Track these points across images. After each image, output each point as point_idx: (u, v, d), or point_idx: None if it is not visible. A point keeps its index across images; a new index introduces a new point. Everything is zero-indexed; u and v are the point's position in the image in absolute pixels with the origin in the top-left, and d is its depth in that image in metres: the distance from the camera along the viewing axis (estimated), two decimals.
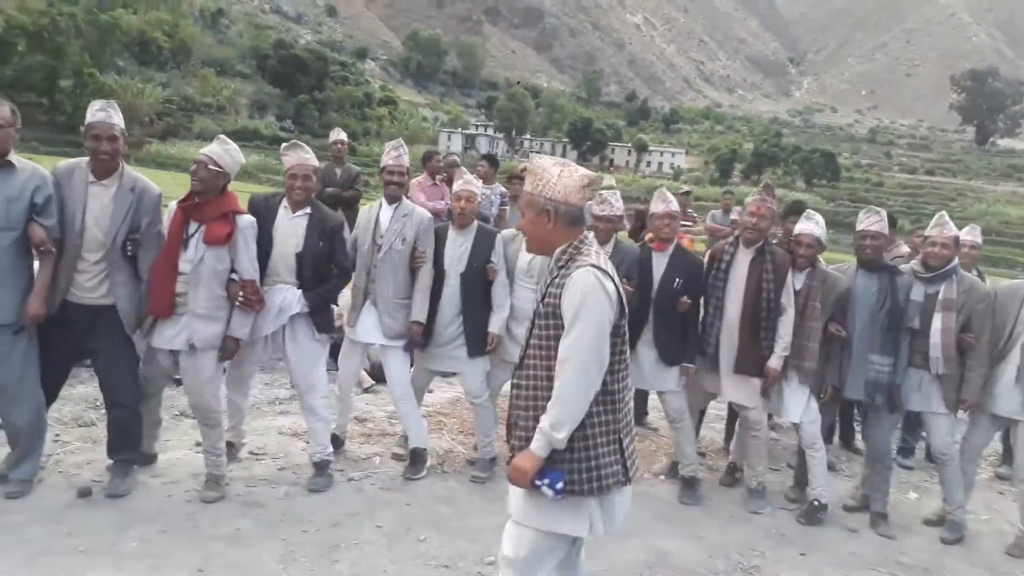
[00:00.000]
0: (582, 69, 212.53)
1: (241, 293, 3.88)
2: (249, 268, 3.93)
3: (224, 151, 3.89)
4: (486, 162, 7.85)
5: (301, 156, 4.10)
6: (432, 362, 4.61)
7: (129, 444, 3.92)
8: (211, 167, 3.81)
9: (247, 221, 3.95)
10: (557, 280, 2.35)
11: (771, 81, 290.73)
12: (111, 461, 3.95)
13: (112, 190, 3.73)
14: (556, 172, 2.36)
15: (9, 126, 3.54)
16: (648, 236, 4.73)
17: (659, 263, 4.53)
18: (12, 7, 64.58)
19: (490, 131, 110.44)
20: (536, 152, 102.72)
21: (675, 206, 4.57)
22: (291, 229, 4.10)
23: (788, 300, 4.43)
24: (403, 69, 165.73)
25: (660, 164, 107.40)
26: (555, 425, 2.26)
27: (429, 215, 4.56)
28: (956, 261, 4.44)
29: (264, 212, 4.12)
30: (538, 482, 2.29)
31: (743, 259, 4.48)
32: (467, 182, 4.52)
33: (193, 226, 3.82)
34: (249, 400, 4.80)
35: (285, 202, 4.17)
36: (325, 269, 4.18)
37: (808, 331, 4.39)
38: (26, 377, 3.67)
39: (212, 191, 3.84)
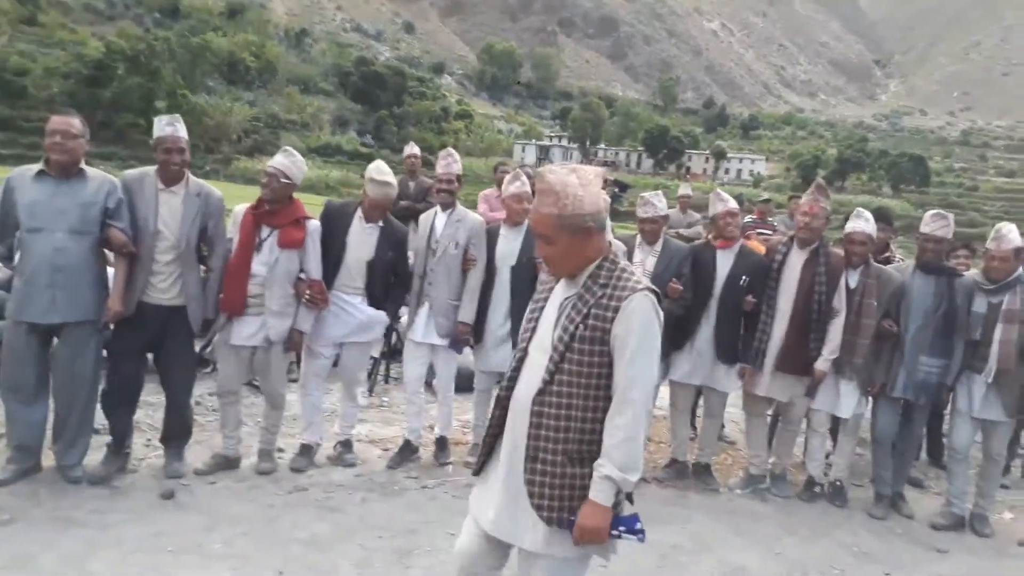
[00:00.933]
0: (657, 77, 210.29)
1: (308, 292, 4.23)
2: (316, 269, 4.31)
3: (292, 163, 4.22)
4: None
5: (386, 192, 4.44)
6: (488, 363, 4.73)
7: (182, 431, 4.31)
8: (282, 180, 4.15)
9: (315, 226, 4.33)
10: (604, 301, 2.12)
11: (855, 84, 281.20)
12: (164, 447, 4.30)
13: (180, 196, 4.04)
14: (576, 182, 2.10)
15: (80, 136, 3.80)
16: (712, 235, 4.79)
17: (724, 261, 4.60)
18: (113, 34, 68.49)
19: (564, 142, 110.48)
20: (611, 161, 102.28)
21: (734, 204, 4.65)
22: (364, 238, 4.46)
23: (840, 303, 4.46)
24: (478, 82, 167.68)
25: (739, 171, 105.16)
26: (626, 468, 2.08)
27: (481, 220, 4.79)
28: (1021, 271, 4.39)
29: (339, 219, 4.46)
30: (615, 533, 2.13)
31: (796, 260, 4.53)
32: (523, 184, 4.55)
33: (265, 231, 4.17)
34: (325, 404, 4.98)
35: (360, 212, 4.48)
36: (388, 277, 4.59)
37: (861, 328, 4.43)
38: (95, 373, 4.00)
39: (282, 200, 4.18)
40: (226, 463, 4.36)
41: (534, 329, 2.27)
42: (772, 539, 4.16)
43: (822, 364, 4.50)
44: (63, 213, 3.74)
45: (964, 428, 4.53)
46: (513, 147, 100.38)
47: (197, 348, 4.94)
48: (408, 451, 4.75)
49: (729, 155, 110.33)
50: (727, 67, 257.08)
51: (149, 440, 4.66)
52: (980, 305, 4.42)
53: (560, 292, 2.25)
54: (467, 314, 4.60)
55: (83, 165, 3.85)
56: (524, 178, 4.62)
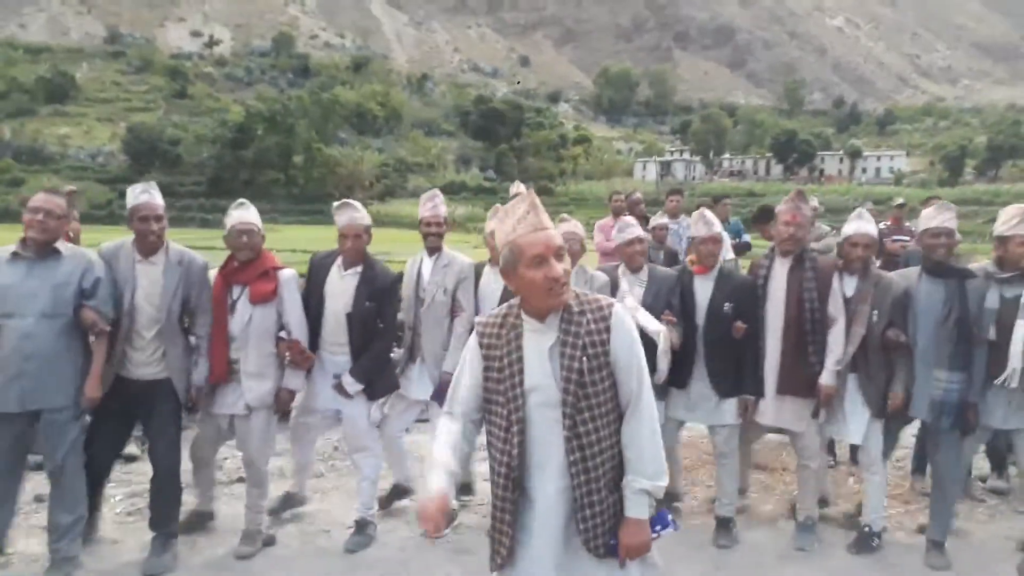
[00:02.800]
0: (781, 81, 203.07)
1: (288, 353, 4.00)
2: (297, 323, 4.04)
3: (254, 214, 4.04)
4: (677, 196, 7.74)
5: (352, 216, 4.12)
6: None
7: (170, 517, 3.99)
8: (257, 233, 3.98)
9: (288, 274, 4.08)
10: (591, 326, 2.13)
11: (1003, 65, 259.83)
12: (152, 534, 3.96)
13: (160, 266, 3.85)
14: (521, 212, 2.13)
15: (63, 217, 3.66)
16: (689, 259, 4.41)
17: (704, 288, 4.20)
18: (252, 98, 73.97)
19: (686, 155, 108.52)
20: (737, 171, 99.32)
21: (718, 229, 4.26)
22: (341, 288, 4.14)
23: (837, 309, 4.00)
24: (595, 106, 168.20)
25: (877, 169, 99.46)
26: (656, 476, 2.16)
27: (470, 262, 4.46)
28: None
29: (319, 271, 4.22)
30: (655, 536, 2.23)
31: (781, 271, 4.12)
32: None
33: (236, 290, 3.96)
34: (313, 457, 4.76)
35: (339, 261, 4.21)
36: (374, 329, 4.17)
37: (851, 337, 3.96)
38: (74, 461, 3.73)
39: (254, 255, 3.99)
40: (202, 518, 4.29)
41: (522, 395, 2.16)
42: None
43: (827, 377, 3.97)
44: (34, 297, 3.52)
45: (968, 444, 4.03)
46: (633, 166, 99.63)
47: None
48: (399, 494, 4.63)
49: (865, 153, 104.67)
50: (855, 63, 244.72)
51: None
52: (992, 299, 3.86)
53: (534, 342, 2.18)
54: (452, 363, 4.19)
55: (60, 244, 3.67)
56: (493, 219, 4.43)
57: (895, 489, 4.86)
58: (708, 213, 4.37)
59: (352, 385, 4.14)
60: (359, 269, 4.16)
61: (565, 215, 4.67)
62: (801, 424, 4.13)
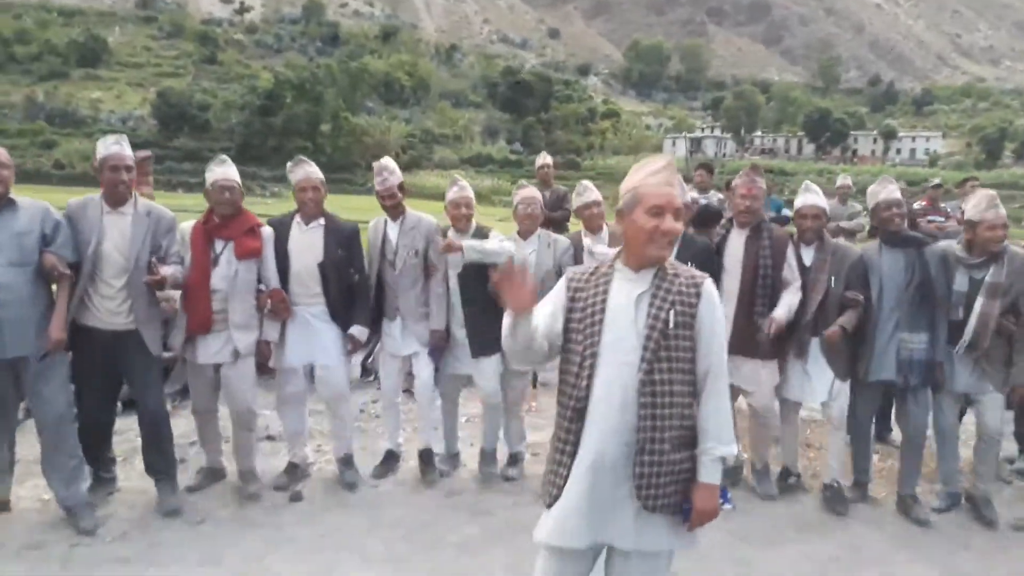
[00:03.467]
0: (816, 58, 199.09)
1: (269, 302, 4.16)
2: (274, 277, 4.23)
3: (235, 171, 4.21)
4: (703, 171, 7.71)
5: (307, 171, 4.33)
6: (449, 367, 4.65)
7: (165, 460, 4.12)
8: (237, 189, 4.15)
9: (269, 232, 4.25)
10: (684, 288, 2.23)
11: None
12: (154, 481, 4.13)
13: (128, 217, 3.91)
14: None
15: (9, 167, 3.69)
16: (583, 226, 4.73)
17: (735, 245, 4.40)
18: (281, 65, 74.01)
19: (717, 132, 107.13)
20: (768, 149, 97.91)
21: (595, 195, 4.74)
22: (308, 241, 4.31)
23: (792, 275, 4.20)
24: (625, 80, 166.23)
25: (912, 151, 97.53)
26: (730, 443, 2.25)
27: (435, 222, 4.54)
28: (1006, 242, 4.12)
29: (279, 230, 4.32)
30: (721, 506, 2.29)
31: (738, 239, 4.31)
32: (462, 188, 4.50)
33: (219, 245, 4.10)
34: (307, 424, 4.76)
35: (298, 217, 4.36)
36: (347, 277, 4.36)
37: (809, 303, 4.19)
38: (65, 402, 3.88)
39: (235, 211, 4.15)
40: (212, 475, 4.41)
41: (599, 332, 2.24)
42: (944, 553, 3.86)
43: (779, 312, 4.10)
44: (0, 247, 3.60)
45: (948, 406, 4.30)
46: (663, 142, 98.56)
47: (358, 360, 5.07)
48: (392, 461, 4.70)
49: (900, 134, 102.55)
50: (894, 41, 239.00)
51: (320, 445, 5.03)
52: (961, 282, 4.17)
53: (624, 290, 2.27)
54: (439, 321, 4.45)
55: (13, 195, 3.72)
56: (462, 183, 4.54)
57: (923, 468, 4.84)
58: (587, 182, 4.87)
59: (362, 332, 4.41)
60: (321, 222, 4.35)
61: (523, 181, 4.87)
62: (753, 384, 4.34)
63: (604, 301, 2.27)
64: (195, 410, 4.34)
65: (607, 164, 68.45)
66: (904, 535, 4.05)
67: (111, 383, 4.13)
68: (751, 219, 4.31)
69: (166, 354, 4.22)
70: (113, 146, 3.86)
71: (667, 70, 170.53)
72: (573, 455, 2.25)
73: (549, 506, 2.30)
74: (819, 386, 4.32)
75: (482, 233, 4.46)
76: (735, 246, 4.35)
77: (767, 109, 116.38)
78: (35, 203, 3.82)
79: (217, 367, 4.22)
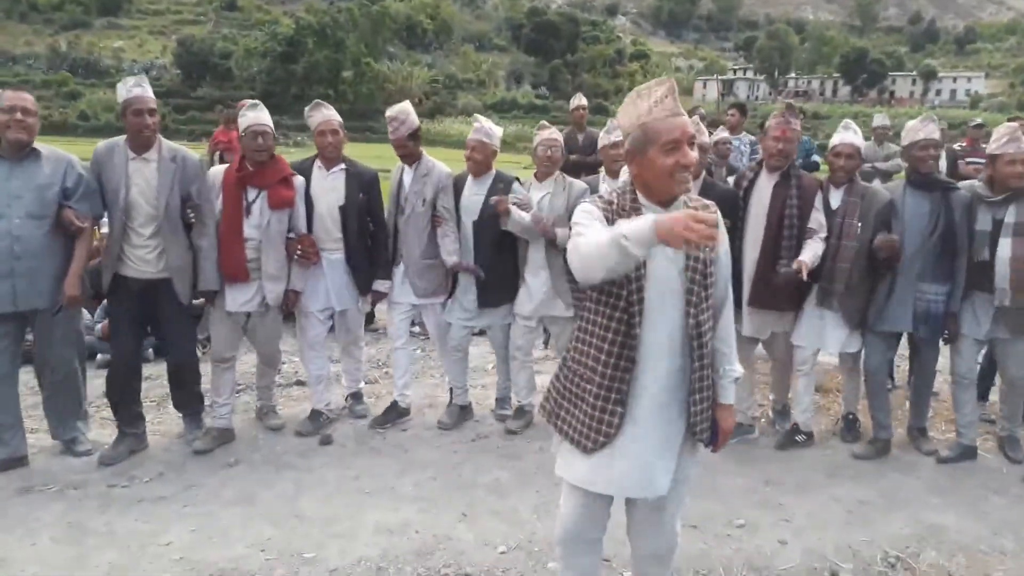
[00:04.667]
0: None
1: (299, 248, 4.13)
2: (304, 224, 4.20)
3: (267, 116, 4.10)
4: (736, 110, 7.52)
5: (326, 114, 4.24)
6: (455, 316, 4.54)
7: (192, 397, 4.27)
8: (271, 134, 4.05)
9: (300, 181, 4.18)
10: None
11: None
12: (181, 415, 4.34)
13: (153, 163, 3.82)
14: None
15: (36, 114, 3.68)
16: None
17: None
18: (301, 11, 73.09)
19: (749, 74, 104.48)
20: (803, 91, 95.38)
21: (705, 137, 4.19)
22: (329, 185, 4.27)
23: (819, 225, 4.00)
24: (654, 20, 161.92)
25: (953, 92, 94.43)
26: (737, 360, 2.38)
27: (448, 171, 4.42)
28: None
29: (300, 175, 4.24)
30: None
31: (766, 185, 4.08)
32: (477, 131, 4.31)
33: (252, 193, 4.01)
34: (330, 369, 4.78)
35: (318, 162, 4.30)
36: (365, 223, 4.36)
37: (841, 251, 3.96)
38: (72, 356, 3.99)
39: (267, 158, 4.05)
40: (221, 435, 4.23)
41: (643, 276, 2.12)
42: (976, 498, 3.82)
43: (806, 254, 3.90)
44: (19, 198, 3.60)
45: (969, 353, 4.15)
46: (694, 85, 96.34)
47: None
48: (393, 413, 4.59)
49: (940, 75, 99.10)
50: None
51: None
52: (984, 221, 3.95)
53: None
54: (452, 253, 4.33)
55: (37, 144, 3.70)
56: (479, 123, 4.36)
57: (950, 413, 4.76)
58: (697, 121, 4.32)
59: (384, 284, 4.43)
60: (342, 166, 4.31)
61: (544, 122, 4.61)
62: (766, 331, 4.26)
63: None
64: (215, 358, 4.27)
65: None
66: (937, 480, 4.01)
67: (139, 330, 4.15)
68: (783, 163, 4.06)
69: (195, 301, 4.22)
70: (135, 88, 3.76)
71: (698, 9, 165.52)
72: (623, 403, 2.17)
73: (590, 451, 2.22)
74: (832, 335, 4.16)
75: (504, 180, 4.36)
76: (762, 192, 4.11)
77: (801, 50, 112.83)
78: (59, 154, 3.79)
79: (247, 316, 4.22)
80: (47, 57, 74.14)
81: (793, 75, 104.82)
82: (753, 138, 7.22)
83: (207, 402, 4.37)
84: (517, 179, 4.42)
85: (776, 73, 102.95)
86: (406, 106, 4.40)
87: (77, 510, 3.50)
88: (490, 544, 3.29)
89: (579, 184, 4.40)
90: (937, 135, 4.07)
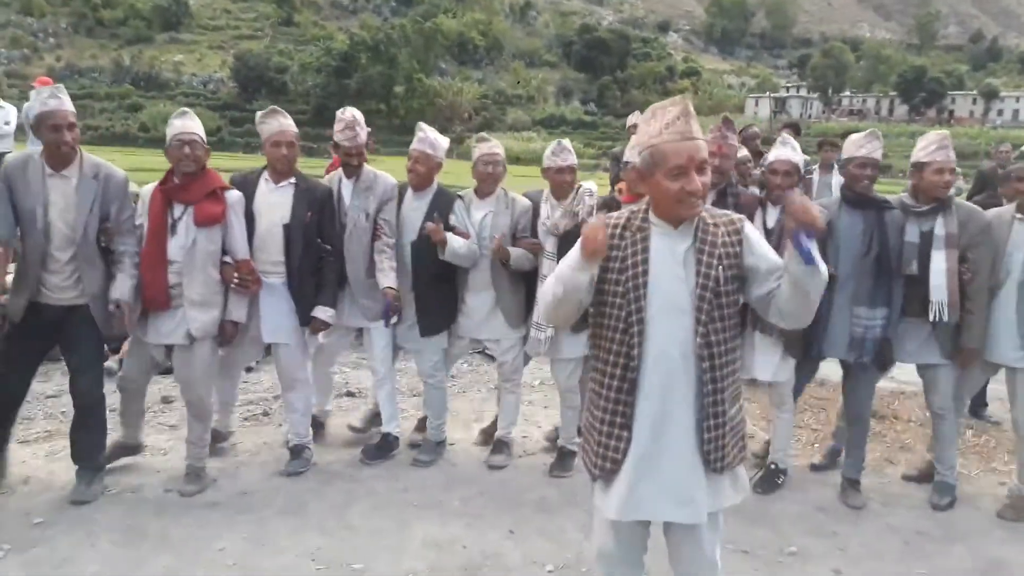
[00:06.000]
0: (912, 13, 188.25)
1: (236, 274, 3.69)
2: (242, 247, 3.73)
3: (198, 124, 3.70)
4: (790, 130, 7.41)
5: (283, 123, 3.85)
6: (404, 340, 4.28)
7: (94, 449, 3.75)
8: (200, 144, 3.64)
9: (236, 196, 3.74)
10: (726, 238, 2.15)
11: None
12: (76, 467, 3.74)
13: (73, 181, 3.47)
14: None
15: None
16: (618, 187, 4.17)
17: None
18: (356, 27, 74.45)
19: (802, 92, 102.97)
20: (857, 110, 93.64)
21: (572, 159, 4.01)
22: (275, 201, 3.85)
23: None
24: (707, 37, 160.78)
25: (1015, 112, 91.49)
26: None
27: (394, 182, 4.11)
28: (953, 189, 3.86)
29: (243, 188, 3.85)
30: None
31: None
32: (421, 141, 4.03)
33: (178, 209, 3.62)
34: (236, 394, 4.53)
35: (266, 174, 3.91)
36: (314, 244, 3.89)
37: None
38: None
39: (196, 171, 3.64)
40: (125, 450, 3.99)
41: (644, 296, 2.11)
42: None
43: None
44: None
45: (942, 382, 3.86)
46: (745, 102, 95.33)
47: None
48: (386, 447, 4.30)
49: (1002, 94, 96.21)
50: None
51: (404, 411, 5.11)
52: (912, 233, 3.75)
53: (667, 247, 2.14)
54: (388, 278, 3.95)
55: None
56: (423, 132, 4.08)
57: (979, 447, 4.63)
58: (565, 142, 4.14)
59: (326, 312, 3.95)
60: (292, 180, 3.89)
61: (483, 134, 4.37)
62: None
63: (647, 260, 2.13)
64: (123, 384, 3.88)
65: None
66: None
67: (33, 361, 3.71)
68: (719, 180, 3.87)
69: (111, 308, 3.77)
70: (51, 100, 3.39)
71: (751, 26, 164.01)
72: (628, 427, 2.16)
73: (600, 479, 2.23)
74: (761, 360, 3.88)
75: (446, 197, 4.14)
76: None
77: (857, 68, 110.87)
78: None
79: (168, 349, 3.78)
80: (111, 71, 76.93)
81: (847, 93, 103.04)
82: (806, 158, 7.10)
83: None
84: (460, 196, 4.21)
85: (830, 91, 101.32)
86: (359, 112, 4.14)
87: (134, 514, 3.58)
88: (537, 563, 3.28)
89: (523, 201, 4.15)
90: (877, 154, 3.82)
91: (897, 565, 3.35)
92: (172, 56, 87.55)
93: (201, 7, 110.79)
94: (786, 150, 3.94)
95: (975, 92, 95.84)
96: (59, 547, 3.26)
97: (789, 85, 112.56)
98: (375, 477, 4.07)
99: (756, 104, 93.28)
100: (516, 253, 4.00)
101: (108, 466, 3.86)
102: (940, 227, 3.72)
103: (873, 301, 3.72)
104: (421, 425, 4.59)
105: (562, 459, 4.22)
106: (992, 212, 3.92)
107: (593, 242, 2.04)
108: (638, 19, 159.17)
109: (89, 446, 3.72)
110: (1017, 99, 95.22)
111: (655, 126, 2.08)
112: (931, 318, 3.70)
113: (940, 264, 3.69)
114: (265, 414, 4.84)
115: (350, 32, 76.57)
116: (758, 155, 7.08)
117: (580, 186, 3.99)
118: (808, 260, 2.03)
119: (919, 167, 3.78)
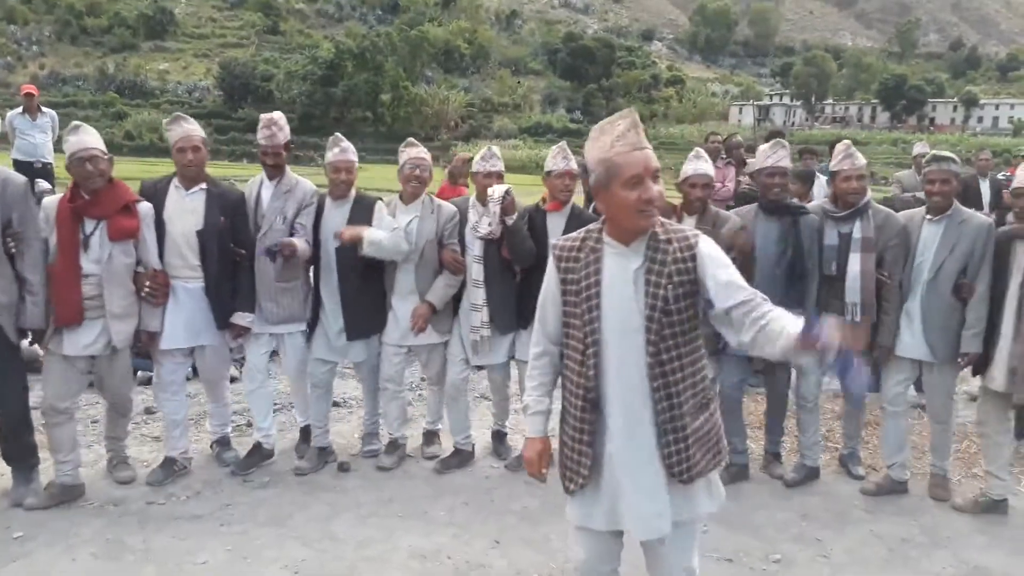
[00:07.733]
0: (893, 21, 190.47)
1: (148, 284, 3.72)
2: (155, 258, 3.77)
3: (95, 137, 3.65)
4: (776, 139, 7.46)
5: (187, 128, 3.84)
6: (323, 353, 4.23)
7: (25, 451, 3.73)
8: (102, 158, 3.59)
9: (146, 208, 3.76)
10: (678, 255, 2.10)
11: None
12: (11, 469, 3.77)
13: None
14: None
15: None
16: (543, 196, 4.23)
17: (555, 225, 4.08)
18: (342, 34, 74.36)
19: (786, 100, 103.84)
20: (840, 117, 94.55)
21: (573, 164, 4.12)
22: (187, 207, 3.86)
23: None
24: (690, 46, 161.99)
25: (995, 119, 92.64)
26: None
27: (314, 189, 4.12)
28: (869, 195, 4.00)
29: (153, 196, 3.86)
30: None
31: None
32: (343, 151, 4.05)
33: (90, 224, 3.60)
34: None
35: (176, 181, 3.90)
36: (228, 249, 3.91)
37: None
38: None
39: (102, 184, 3.60)
40: (63, 492, 3.76)
41: (598, 317, 2.14)
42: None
43: None
44: None
45: (812, 375, 4.16)
46: (729, 110, 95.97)
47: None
48: (258, 455, 4.23)
49: (982, 101, 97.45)
50: (978, 2, 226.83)
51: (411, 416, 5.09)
52: (831, 236, 3.99)
53: (619, 266, 2.15)
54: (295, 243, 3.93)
55: None
56: (344, 143, 4.11)
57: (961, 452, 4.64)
58: (564, 147, 4.25)
59: (245, 318, 3.99)
60: (203, 186, 3.92)
61: (411, 139, 4.37)
62: None
63: (599, 282, 2.16)
64: (47, 411, 3.73)
65: (671, 133, 67.05)
66: (983, 518, 3.89)
67: None
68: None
69: (25, 341, 3.89)
70: None
71: (734, 35, 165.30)
72: (591, 444, 2.21)
73: (572, 493, 2.27)
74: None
75: (366, 203, 4.12)
76: None
77: (839, 76, 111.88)
78: None
79: (90, 360, 3.75)
80: (95, 79, 76.33)
81: (830, 101, 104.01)
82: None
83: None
84: (380, 199, 4.24)
85: (813, 99, 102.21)
86: (281, 115, 4.14)
87: (116, 526, 3.55)
88: (523, 572, 3.29)
89: (448, 207, 4.19)
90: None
91: (881, 572, 3.37)
92: (157, 64, 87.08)
93: (186, 15, 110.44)
94: (700, 163, 4.10)
95: (955, 99, 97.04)
96: (38, 561, 3.23)
97: (772, 93, 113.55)
98: (360, 488, 4.05)
99: (740, 111, 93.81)
100: (439, 295, 4.12)
101: (42, 509, 3.68)
102: (857, 231, 3.94)
103: (789, 303, 3.76)
104: (428, 439, 4.62)
105: (499, 439, 4.57)
106: (905, 214, 4.09)
107: (532, 467, 2.39)
108: (623, 28, 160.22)
109: (21, 449, 3.73)
110: (996, 106, 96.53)
111: (606, 140, 2.09)
112: (847, 319, 3.86)
113: (855, 266, 3.91)
114: (249, 425, 4.80)
115: (336, 40, 76.26)
116: (742, 163, 7.13)
117: (493, 189, 4.02)
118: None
119: (833, 175, 4.05)
